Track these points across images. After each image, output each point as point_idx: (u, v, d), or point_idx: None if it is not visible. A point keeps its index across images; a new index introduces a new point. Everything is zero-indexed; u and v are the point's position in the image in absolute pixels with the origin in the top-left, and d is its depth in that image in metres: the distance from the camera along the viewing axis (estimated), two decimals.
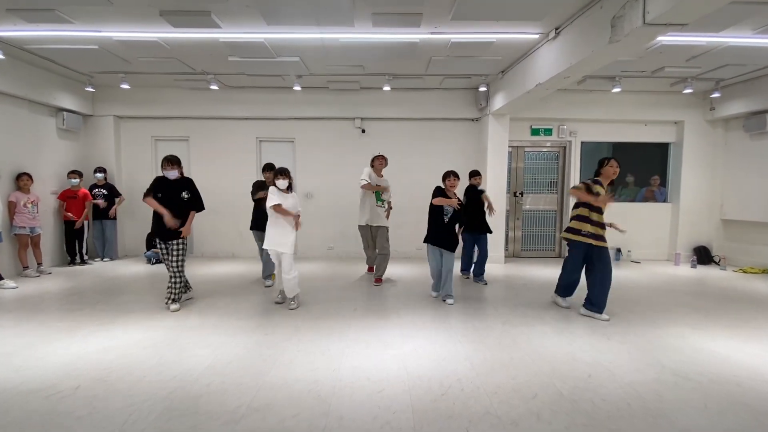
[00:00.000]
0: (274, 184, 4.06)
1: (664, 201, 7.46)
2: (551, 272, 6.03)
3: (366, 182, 5.24)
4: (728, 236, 7.02)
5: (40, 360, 2.90)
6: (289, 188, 4.11)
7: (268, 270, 5.08)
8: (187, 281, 4.38)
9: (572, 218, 4.05)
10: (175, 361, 2.88)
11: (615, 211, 7.25)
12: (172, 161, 3.98)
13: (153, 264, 6.52)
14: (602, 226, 3.89)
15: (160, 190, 3.99)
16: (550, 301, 4.50)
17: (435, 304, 4.38)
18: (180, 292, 4.15)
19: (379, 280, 5.31)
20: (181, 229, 4.00)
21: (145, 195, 3.97)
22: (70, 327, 3.58)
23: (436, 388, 2.53)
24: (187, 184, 4.11)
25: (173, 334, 3.44)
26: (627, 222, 7.19)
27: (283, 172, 4.02)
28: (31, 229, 5.63)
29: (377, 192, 5.30)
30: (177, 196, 4.02)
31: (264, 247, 4.17)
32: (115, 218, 6.84)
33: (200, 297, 4.59)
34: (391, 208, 5.45)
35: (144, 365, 2.82)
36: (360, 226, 5.49)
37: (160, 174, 4.05)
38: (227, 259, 7.20)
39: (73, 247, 6.39)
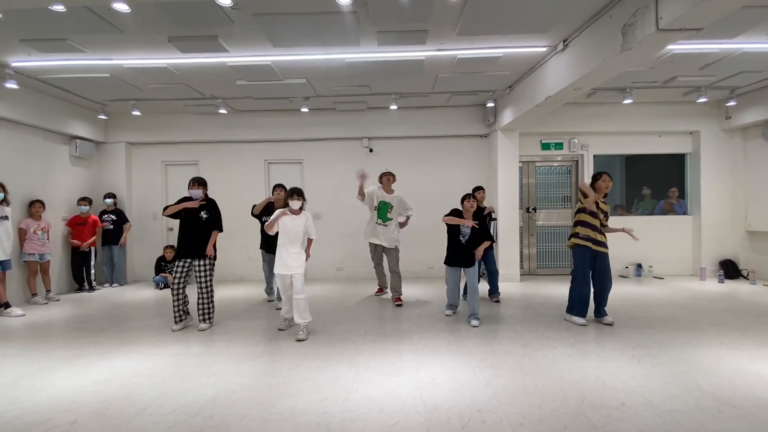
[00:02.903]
0: (286, 204, 3.99)
1: (684, 213, 7.19)
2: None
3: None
4: (755, 248, 6.69)
5: (39, 392, 2.78)
6: (301, 209, 4.01)
7: (271, 285, 5.31)
8: (187, 309, 4.31)
9: (573, 225, 4.28)
10: (177, 392, 2.73)
11: (633, 225, 7.04)
12: (198, 182, 4.19)
13: (161, 289, 6.44)
14: (601, 232, 4.12)
15: (183, 209, 4.14)
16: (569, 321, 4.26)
17: (450, 326, 4.18)
18: (211, 311, 4.25)
19: (398, 299, 5.15)
20: (208, 244, 4.16)
21: (166, 210, 4.10)
22: (73, 356, 3.47)
23: (456, 420, 2.33)
24: (207, 205, 4.22)
25: (177, 362, 3.30)
26: (647, 236, 7.07)
27: (297, 193, 3.91)
28: (40, 256, 5.61)
29: (382, 210, 5.19)
30: (199, 217, 4.15)
31: (275, 271, 4.00)
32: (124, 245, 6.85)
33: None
34: (405, 224, 5.37)
35: (145, 397, 2.68)
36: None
37: (184, 196, 4.25)
38: (236, 282, 7.10)
39: (81, 273, 6.36)
